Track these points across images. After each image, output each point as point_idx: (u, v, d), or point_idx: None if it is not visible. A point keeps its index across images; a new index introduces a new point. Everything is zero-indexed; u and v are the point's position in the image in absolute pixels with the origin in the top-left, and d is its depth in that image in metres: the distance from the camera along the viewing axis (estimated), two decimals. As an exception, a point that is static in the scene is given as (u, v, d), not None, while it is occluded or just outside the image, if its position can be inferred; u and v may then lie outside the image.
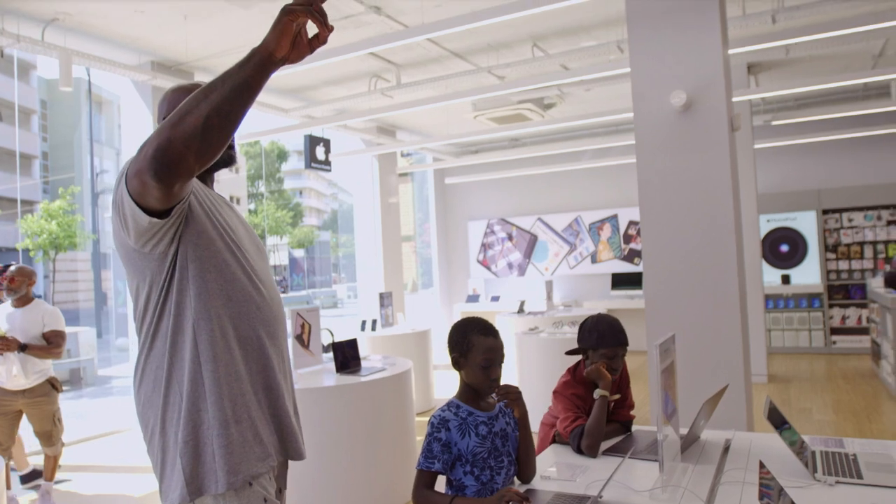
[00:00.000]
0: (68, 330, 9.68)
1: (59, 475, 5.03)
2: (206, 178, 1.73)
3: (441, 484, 1.98)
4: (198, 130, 1.30)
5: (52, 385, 4.47)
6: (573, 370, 2.53)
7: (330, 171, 8.39)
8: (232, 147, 1.68)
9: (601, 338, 2.44)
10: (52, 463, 4.52)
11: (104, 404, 8.51)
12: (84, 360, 9.53)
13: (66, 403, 8.63)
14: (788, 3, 5.12)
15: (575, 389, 2.42)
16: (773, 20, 4.92)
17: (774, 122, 8.24)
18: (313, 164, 8.04)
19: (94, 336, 10.09)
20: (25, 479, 4.96)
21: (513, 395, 1.98)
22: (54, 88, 27.61)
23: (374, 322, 7.08)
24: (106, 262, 18.16)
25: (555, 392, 2.46)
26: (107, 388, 9.76)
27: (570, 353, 2.61)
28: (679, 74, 3.83)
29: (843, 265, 9.11)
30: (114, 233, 1.57)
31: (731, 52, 4.47)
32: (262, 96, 7.48)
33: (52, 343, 4.34)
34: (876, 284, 7.38)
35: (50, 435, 4.44)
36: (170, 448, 1.51)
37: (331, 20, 5.73)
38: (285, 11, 1.33)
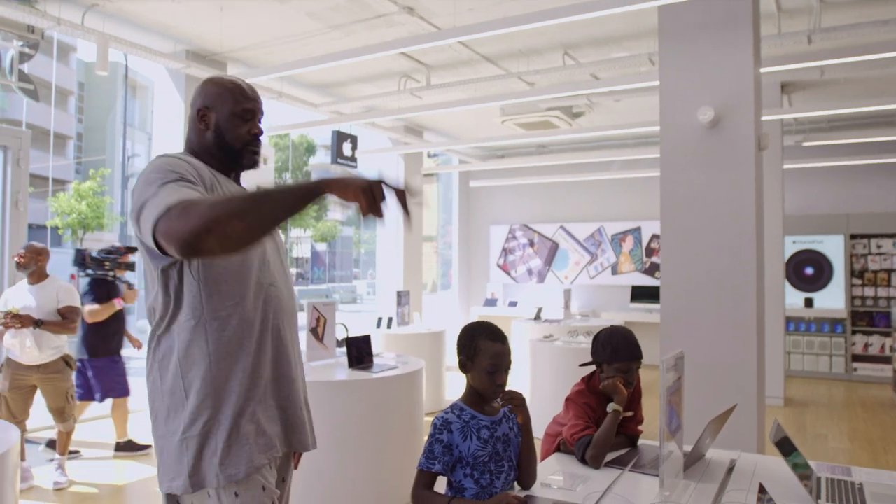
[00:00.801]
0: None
1: (75, 448, 5.13)
2: (231, 174, 1.76)
3: (441, 485, 1.99)
4: (234, 235, 1.32)
5: (66, 362, 4.54)
6: (587, 380, 2.53)
7: (356, 167, 8.45)
8: (257, 153, 1.77)
9: (615, 352, 2.44)
10: (65, 438, 4.61)
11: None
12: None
13: (85, 381, 8.77)
14: (825, 24, 5.05)
15: (588, 399, 2.42)
16: (809, 41, 4.86)
17: (806, 143, 8.13)
18: (339, 160, 8.11)
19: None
20: (50, 444, 5.05)
21: (517, 401, 1.99)
22: (92, 71, 28.17)
23: (391, 320, 7.12)
24: (131, 245, 18.48)
25: (567, 399, 2.46)
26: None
27: (583, 365, 2.62)
28: (708, 90, 3.81)
29: (869, 292, 8.95)
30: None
31: (764, 70, 4.43)
32: (293, 90, 7.55)
33: (66, 318, 4.41)
34: (901, 313, 7.25)
35: (63, 411, 4.52)
36: (175, 438, 1.54)
37: (364, 18, 5.70)
38: (329, 187, 1.38)
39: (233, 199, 1.33)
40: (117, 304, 5.05)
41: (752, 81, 3.73)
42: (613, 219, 10.75)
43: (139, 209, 1.45)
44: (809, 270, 9.24)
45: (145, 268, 1.62)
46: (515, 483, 2.07)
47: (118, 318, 5.17)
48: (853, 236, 9.01)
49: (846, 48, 4.81)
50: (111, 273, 5.17)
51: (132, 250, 5.33)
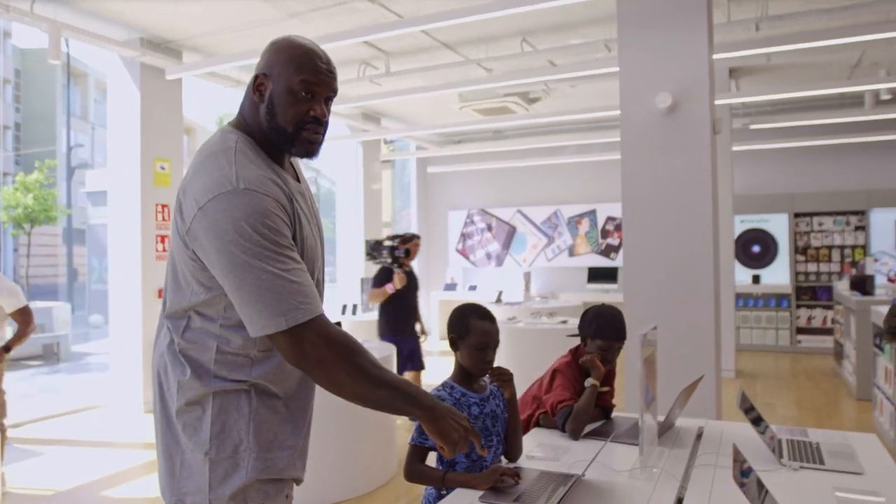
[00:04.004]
0: (42, 304, 9.58)
1: (32, 448, 5.04)
2: (282, 160, 1.52)
3: (431, 460, 2.08)
4: (343, 384, 1.38)
5: None
6: (574, 352, 2.64)
7: (314, 155, 8.41)
8: (314, 141, 1.48)
9: (600, 330, 2.56)
10: None
11: (79, 380, 8.48)
12: (59, 336, 9.45)
13: (41, 378, 8.59)
14: (772, 11, 5.27)
15: (575, 371, 2.54)
16: (757, 28, 5.07)
17: (753, 126, 8.45)
18: (298, 148, 8.06)
19: (69, 311, 10.00)
20: None
21: (505, 377, 2.10)
22: (29, 58, 27.01)
23: (355, 306, 7.16)
24: (80, 238, 17.91)
25: (556, 370, 2.56)
26: (82, 364, 9.69)
27: (570, 336, 2.75)
28: (665, 77, 3.95)
29: (812, 267, 9.39)
30: (172, 245, 1.47)
31: (714, 56, 4.61)
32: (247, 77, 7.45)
33: (23, 322, 4.10)
34: (842, 287, 7.65)
35: None
36: (199, 455, 1.42)
37: (323, 6, 5.71)
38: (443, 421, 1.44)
39: (372, 371, 1.37)
40: (388, 288, 5.53)
41: (707, 67, 3.89)
42: (569, 202, 10.97)
43: (246, 277, 1.31)
44: (756, 248, 9.63)
45: (180, 269, 1.45)
46: (503, 457, 2.17)
47: (398, 300, 5.58)
48: (797, 215, 9.43)
49: (792, 35, 5.04)
50: (388, 260, 5.64)
51: (410, 239, 5.74)
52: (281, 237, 1.35)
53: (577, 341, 2.69)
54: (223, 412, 1.42)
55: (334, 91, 1.48)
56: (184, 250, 1.40)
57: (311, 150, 1.48)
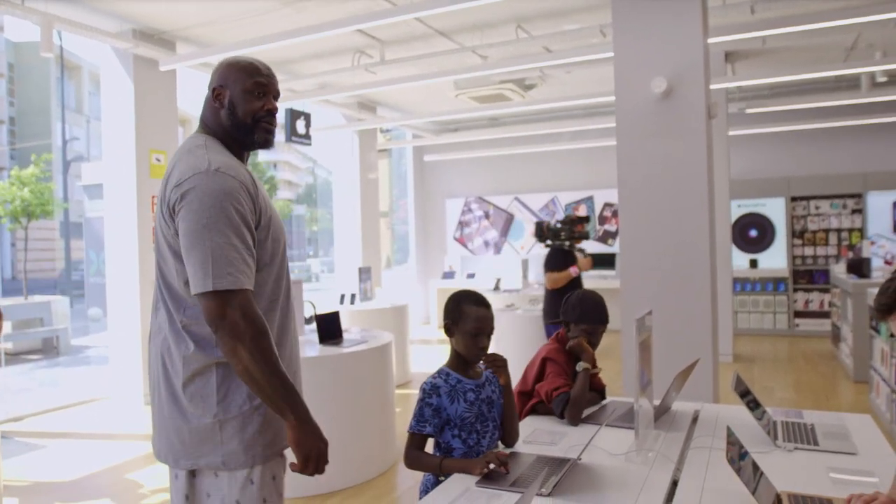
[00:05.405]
0: (40, 299, 9.55)
1: (34, 441, 5.06)
2: (243, 156, 1.76)
3: (429, 447, 2.10)
4: (242, 364, 1.50)
5: None
6: (557, 338, 2.65)
7: (310, 145, 8.38)
8: (270, 131, 1.75)
9: (584, 315, 2.58)
10: None
11: (79, 373, 8.49)
12: (58, 329, 9.45)
13: (41, 372, 8.60)
14: (767, -6, 5.25)
15: (565, 357, 2.55)
16: (752, 11, 5.05)
17: (749, 110, 8.43)
18: (293, 138, 8.02)
19: (68, 305, 9.99)
20: None
21: (499, 363, 2.11)
22: (22, 52, 26.85)
23: (353, 296, 7.17)
24: (77, 231, 17.89)
25: (546, 358, 2.57)
26: (81, 358, 9.70)
27: (551, 322, 2.76)
28: (660, 61, 3.94)
29: (809, 251, 9.41)
30: (161, 230, 1.66)
31: (710, 40, 4.59)
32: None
33: None
34: (839, 270, 7.66)
35: None
36: (207, 420, 1.59)
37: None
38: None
39: (271, 358, 1.52)
40: (573, 271, 5.36)
41: (702, 52, 3.88)
42: (566, 189, 10.96)
43: (196, 241, 1.51)
44: (753, 232, 9.64)
45: (166, 249, 1.65)
46: (500, 442, 2.19)
47: (576, 285, 5.33)
48: (794, 198, 9.43)
49: (787, 17, 5.01)
50: (567, 242, 5.52)
51: (584, 220, 5.68)
52: (240, 216, 1.55)
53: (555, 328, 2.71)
54: (226, 379, 1.60)
55: (278, 92, 1.79)
56: (168, 229, 1.61)
57: (267, 140, 1.75)
